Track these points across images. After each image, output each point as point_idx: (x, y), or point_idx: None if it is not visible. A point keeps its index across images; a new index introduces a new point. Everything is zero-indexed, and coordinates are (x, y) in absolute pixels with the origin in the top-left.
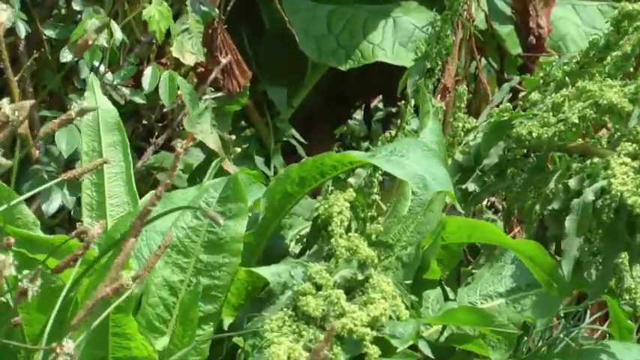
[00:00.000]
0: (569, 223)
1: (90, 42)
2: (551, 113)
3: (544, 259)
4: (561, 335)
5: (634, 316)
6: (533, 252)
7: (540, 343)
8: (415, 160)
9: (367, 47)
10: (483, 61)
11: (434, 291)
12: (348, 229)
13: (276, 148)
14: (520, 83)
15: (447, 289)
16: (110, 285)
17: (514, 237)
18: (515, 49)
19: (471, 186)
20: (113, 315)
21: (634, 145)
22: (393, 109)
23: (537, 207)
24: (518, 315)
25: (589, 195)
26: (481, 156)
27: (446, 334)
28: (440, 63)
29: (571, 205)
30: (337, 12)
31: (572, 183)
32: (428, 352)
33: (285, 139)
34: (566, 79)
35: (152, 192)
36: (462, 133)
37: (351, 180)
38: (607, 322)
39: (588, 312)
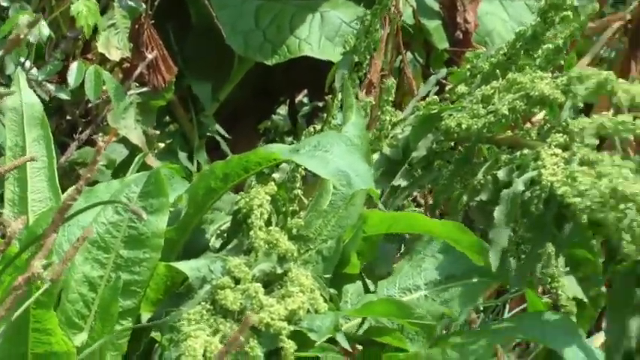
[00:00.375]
0: (498, 213)
1: (22, 36)
2: (480, 105)
3: (469, 239)
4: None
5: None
6: (456, 234)
7: None
8: (339, 155)
9: (294, 42)
10: (410, 55)
11: (353, 285)
12: (268, 224)
13: (200, 144)
14: (446, 78)
15: (368, 281)
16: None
17: None
18: (442, 44)
19: (400, 180)
20: (33, 310)
21: (564, 136)
22: (320, 104)
23: (464, 198)
24: (438, 307)
25: (519, 185)
26: (410, 149)
27: (365, 327)
28: (368, 57)
29: (501, 195)
30: (265, 7)
31: (501, 174)
32: (345, 344)
33: (209, 134)
34: (496, 71)
35: (73, 187)
36: (390, 127)
37: (275, 175)
38: None
39: (507, 306)
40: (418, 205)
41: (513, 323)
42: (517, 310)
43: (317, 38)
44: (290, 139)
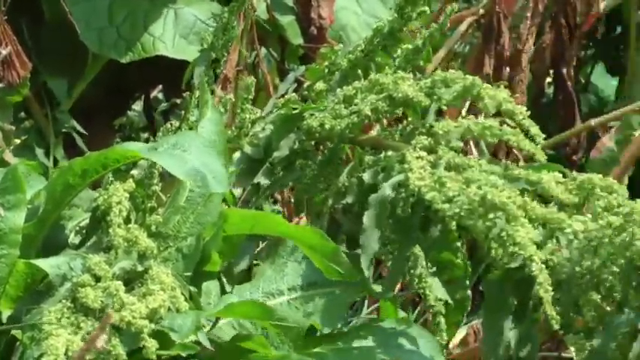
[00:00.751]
0: (367, 218)
1: None
2: (342, 105)
3: (325, 246)
4: (339, 325)
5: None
6: (313, 239)
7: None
8: (196, 155)
9: (148, 40)
10: (264, 51)
11: (215, 284)
12: (127, 221)
13: (57, 140)
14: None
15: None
16: None
17: None
18: (297, 39)
19: (261, 178)
20: None
21: (429, 138)
22: (178, 100)
23: (330, 201)
24: (304, 319)
25: (387, 189)
26: (272, 148)
27: (226, 329)
28: (225, 54)
29: (369, 200)
30: (118, 2)
31: (367, 176)
32: (207, 343)
33: (65, 130)
34: (354, 67)
35: None
36: (249, 125)
37: (133, 172)
38: None
39: (366, 302)
40: (275, 202)
41: (373, 340)
42: (375, 305)
43: (171, 36)
44: (146, 135)
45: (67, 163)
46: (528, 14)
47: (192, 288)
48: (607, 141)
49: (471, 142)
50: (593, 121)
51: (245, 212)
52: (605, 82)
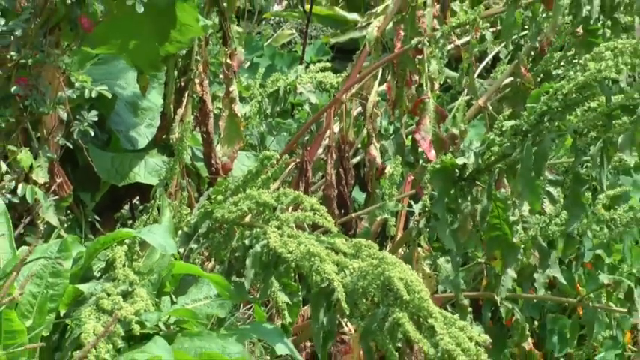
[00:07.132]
0: (248, 262)
1: None
2: (233, 206)
3: (223, 282)
4: (229, 315)
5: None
6: (218, 279)
7: None
8: (161, 235)
9: (132, 174)
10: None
11: (167, 298)
12: (124, 265)
13: (87, 225)
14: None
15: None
16: None
17: (212, 270)
18: (205, 173)
19: (193, 244)
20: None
21: (278, 222)
22: (147, 204)
23: (228, 254)
24: (211, 311)
25: (258, 248)
26: (197, 228)
27: (173, 320)
28: (171, 183)
29: (249, 253)
30: (117, 157)
31: (247, 242)
32: (163, 327)
33: (90, 220)
34: (240, 189)
35: (26, 248)
36: (185, 217)
37: (126, 241)
38: None
39: (242, 304)
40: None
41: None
42: (248, 306)
43: (144, 172)
44: (130, 222)
45: (97, 238)
46: (329, 162)
47: (156, 299)
48: (364, 224)
49: None
50: (353, 215)
51: (182, 264)
52: (360, 195)
